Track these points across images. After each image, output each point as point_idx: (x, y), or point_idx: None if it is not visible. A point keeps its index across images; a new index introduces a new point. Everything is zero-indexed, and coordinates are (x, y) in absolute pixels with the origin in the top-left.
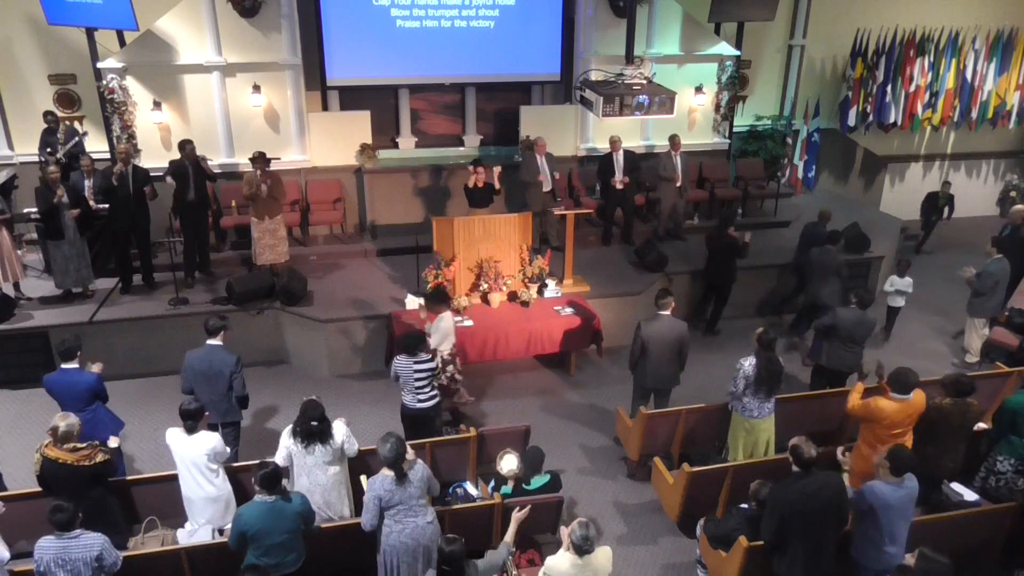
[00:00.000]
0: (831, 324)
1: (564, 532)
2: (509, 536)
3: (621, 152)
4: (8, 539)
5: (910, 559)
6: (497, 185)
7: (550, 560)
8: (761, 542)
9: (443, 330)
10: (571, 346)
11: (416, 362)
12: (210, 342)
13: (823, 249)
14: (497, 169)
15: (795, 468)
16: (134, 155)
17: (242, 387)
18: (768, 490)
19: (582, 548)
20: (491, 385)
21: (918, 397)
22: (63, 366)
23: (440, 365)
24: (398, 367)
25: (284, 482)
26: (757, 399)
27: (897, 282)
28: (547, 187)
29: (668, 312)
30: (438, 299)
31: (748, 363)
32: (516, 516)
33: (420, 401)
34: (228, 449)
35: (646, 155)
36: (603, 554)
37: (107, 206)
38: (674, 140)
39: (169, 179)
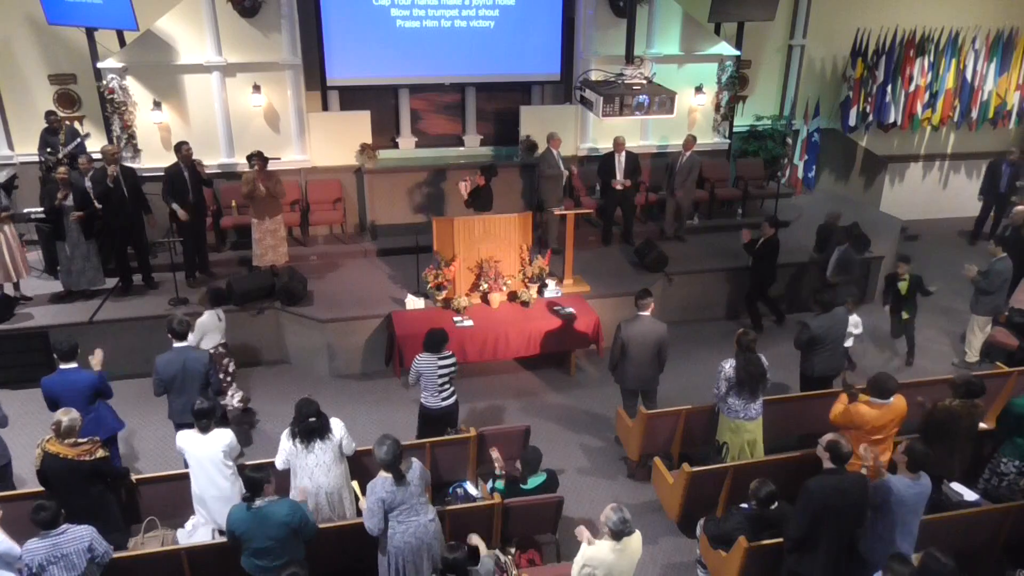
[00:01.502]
0: (810, 336)
1: (582, 531)
2: (483, 549)
3: (624, 153)
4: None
5: (915, 559)
6: (465, 195)
7: (588, 551)
8: (760, 542)
9: (201, 326)
10: (571, 346)
11: (441, 358)
12: (177, 344)
13: (849, 250)
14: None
15: (828, 464)
16: (123, 156)
17: (219, 383)
18: (767, 489)
19: (623, 531)
20: (491, 385)
21: (898, 402)
22: (62, 367)
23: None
24: (421, 366)
25: (269, 487)
26: (741, 400)
27: (850, 320)
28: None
29: (648, 313)
30: (212, 298)
31: (728, 365)
32: (475, 538)
33: (444, 400)
34: (239, 445)
35: (655, 155)
36: (636, 538)
37: (100, 207)
38: (687, 141)
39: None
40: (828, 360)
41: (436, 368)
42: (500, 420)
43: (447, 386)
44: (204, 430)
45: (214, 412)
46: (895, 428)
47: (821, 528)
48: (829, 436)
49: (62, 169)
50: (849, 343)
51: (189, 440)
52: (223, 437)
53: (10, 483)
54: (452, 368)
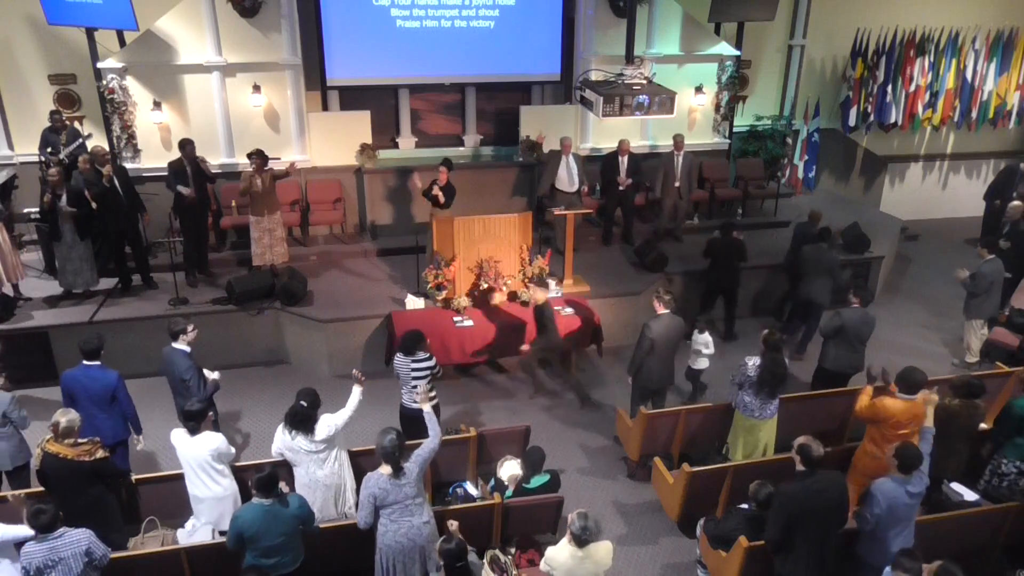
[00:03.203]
0: (840, 325)
1: (568, 537)
2: (426, 407)
3: (627, 156)
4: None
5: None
6: (442, 199)
7: (550, 551)
8: (761, 542)
9: None
10: (571, 346)
11: (414, 361)
12: (173, 345)
13: (816, 247)
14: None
15: (800, 467)
16: (122, 156)
17: (196, 394)
18: (767, 491)
19: (581, 538)
20: (491, 385)
21: (924, 398)
22: (85, 363)
23: None
24: (397, 366)
25: (282, 484)
26: (759, 399)
27: (698, 340)
28: (571, 188)
29: (669, 310)
30: None
31: (752, 363)
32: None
33: (415, 401)
34: (232, 450)
35: (648, 155)
36: (604, 548)
37: (95, 207)
38: (676, 140)
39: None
40: (845, 356)
41: (409, 370)
42: (500, 420)
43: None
44: (191, 432)
45: (203, 414)
46: (919, 424)
47: (799, 531)
48: (800, 439)
49: (53, 171)
50: (704, 364)
51: (179, 439)
52: (211, 441)
53: (27, 482)
54: (428, 371)
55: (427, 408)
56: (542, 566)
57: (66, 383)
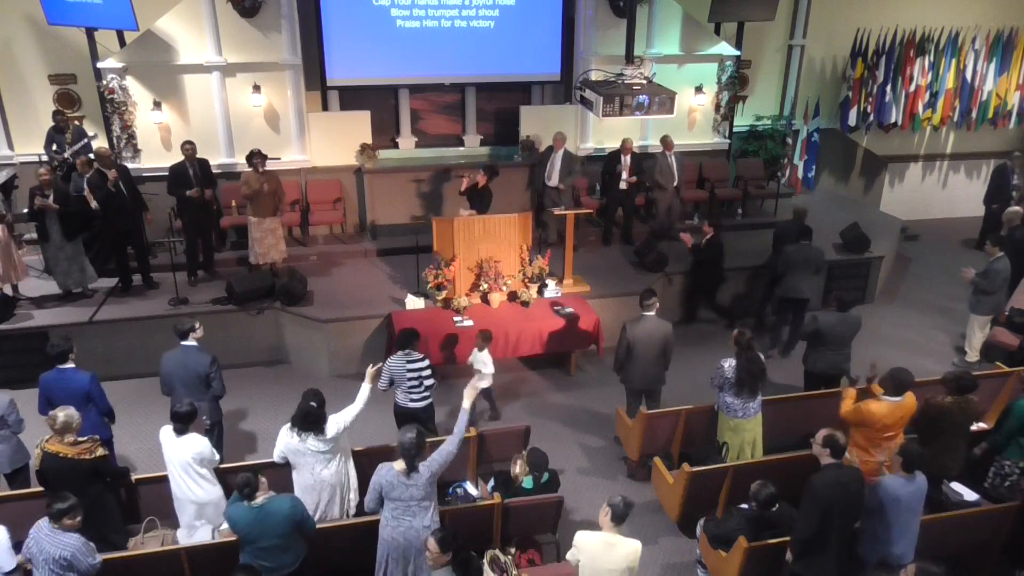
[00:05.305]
0: (815, 329)
1: (603, 513)
2: (467, 402)
3: (629, 155)
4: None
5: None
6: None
7: (580, 534)
8: (760, 543)
9: None
10: (571, 346)
11: (409, 360)
12: (183, 343)
13: (797, 245)
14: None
15: (828, 460)
16: (123, 156)
17: (221, 387)
18: (768, 491)
19: (622, 510)
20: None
21: (909, 399)
22: (59, 366)
23: None
24: (393, 367)
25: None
26: (740, 399)
27: (477, 357)
28: (551, 183)
29: (653, 313)
30: None
31: (728, 365)
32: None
33: (413, 401)
34: (217, 456)
35: (643, 155)
36: (630, 543)
37: (96, 207)
38: (666, 140)
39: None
40: (830, 359)
41: (404, 369)
42: (500, 420)
43: (417, 388)
44: (178, 433)
45: (192, 416)
46: (903, 426)
47: (828, 526)
48: (824, 431)
49: (43, 170)
50: (485, 383)
51: (165, 438)
52: (195, 444)
53: (27, 483)
54: (423, 370)
55: (466, 404)
56: (570, 554)
57: (42, 386)
